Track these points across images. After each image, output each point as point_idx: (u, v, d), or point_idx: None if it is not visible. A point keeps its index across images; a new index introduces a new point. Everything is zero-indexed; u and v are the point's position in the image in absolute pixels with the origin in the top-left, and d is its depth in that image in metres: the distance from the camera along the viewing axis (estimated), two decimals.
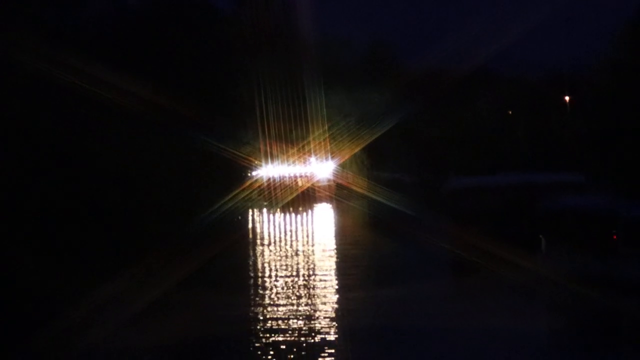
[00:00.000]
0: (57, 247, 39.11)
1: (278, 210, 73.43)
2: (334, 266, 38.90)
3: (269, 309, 28.18)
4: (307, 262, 40.21)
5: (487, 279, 33.35)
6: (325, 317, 26.39)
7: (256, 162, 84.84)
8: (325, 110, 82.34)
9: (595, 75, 70.97)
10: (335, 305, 28.60)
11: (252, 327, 25.01)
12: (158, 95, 53.13)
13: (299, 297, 30.07)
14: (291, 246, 47.16)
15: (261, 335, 23.90)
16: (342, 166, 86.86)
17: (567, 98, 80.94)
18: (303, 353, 21.63)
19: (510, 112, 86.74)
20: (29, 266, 33.19)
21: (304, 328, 24.57)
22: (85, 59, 47.20)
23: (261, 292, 31.77)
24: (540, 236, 36.13)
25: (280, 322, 25.72)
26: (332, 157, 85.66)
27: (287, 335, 23.76)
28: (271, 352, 21.91)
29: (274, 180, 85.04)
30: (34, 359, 20.13)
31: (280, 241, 50.03)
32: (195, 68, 63.10)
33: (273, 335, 23.80)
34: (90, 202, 47.65)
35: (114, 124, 51.30)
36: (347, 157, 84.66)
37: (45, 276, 31.63)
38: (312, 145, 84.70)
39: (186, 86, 59.28)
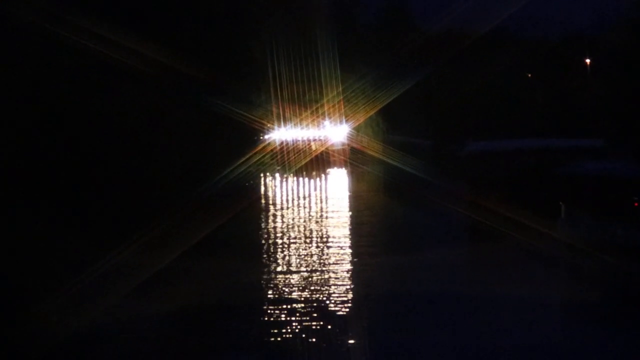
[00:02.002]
0: (63, 212, 39.10)
1: (291, 174, 73.27)
2: (348, 232, 38.79)
3: (282, 275, 28.10)
4: (321, 228, 40.10)
5: (504, 246, 33.11)
6: (339, 284, 26.29)
7: (269, 126, 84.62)
8: (339, 72, 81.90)
9: (616, 36, 70.39)
10: (350, 272, 28.48)
11: (264, 294, 24.93)
12: (168, 57, 52.89)
13: (312, 264, 29.98)
14: (304, 212, 47.07)
15: (274, 301, 23.82)
16: (357, 130, 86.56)
17: (587, 60, 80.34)
18: (316, 319, 21.52)
19: (529, 75, 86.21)
20: (34, 233, 33.17)
21: (317, 294, 24.46)
22: (94, 18, 46.97)
23: (274, 258, 31.67)
24: (560, 202, 35.98)
25: (293, 288, 25.64)
26: (347, 121, 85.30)
27: (300, 301, 23.66)
28: (284, 319, 21.82)
29: (287, 144, 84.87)
30: (38, 328, 19.99)
31: (293, 206, 49.95)
32: (207, 29, 62.73)
33: (286, 302, 23.70)
34: (99, 165, 47.67)
35: (123, 86, 51.19)
36: (362, 120, 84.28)
37: (52, 243, 31.57)
38: (326, 108, 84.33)
39: (197, 48, 58.98)
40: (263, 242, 36.03)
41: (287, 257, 31.77)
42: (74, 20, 46.07)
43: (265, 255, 32.46)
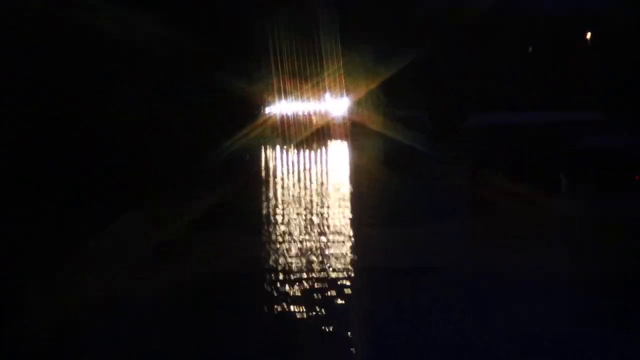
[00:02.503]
0: (63, 187, 39.15)
1: (292, 148, 73.26)
2: (348, 205, 38.81)
3: (284, 246, 28.15)
4: (322, 201, 40.12)
5: (505, 219, 33.14)
6: (340, 255, 26.35)
7: (270, 99, 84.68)
8: (340, 46, 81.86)
9: (616, 11, 70.29)
10: (351, 244, 28.52)
11: (266, 265, 24.97)
12: (166, 30, 52.84)
13: (313, 236, 30.02)
14: (305, 185, 47.07)
15: (276, 272, 23.86)
16: (358, 103, 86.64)
17: (588, 35, 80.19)
18: (318, 290, 21.57)
19: (530, 49, 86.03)
20: (38, 207, 33.24)
21: (319, 266, 24.51)
22: None
23: (274, 231, 31.67)
24: (560, 175, 36.02)
25: (294, 259, 25.69)
26: (347, 94, 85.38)
27: (302, 273, 23.71)
28: (287, 289, 21.87)
29: (288, 118, 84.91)
30: (42, 305, 20.01)
31: (294, 180, 49.94)
32: (207, 3, 62.68)
33: (288, 273, 23.76)
34: (98, 139, 47.70)
35: (121, 59, 51.14)
36: (362, 94, 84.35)
37: (52, 218, 31.62)
38: (326, 82, 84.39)
39: (196, 21, 58.89)
40: (264, 214, 36.07)
41: (287, 228, 31.78)
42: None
43: (266, 227, 32.49)
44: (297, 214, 35.29)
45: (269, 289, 22.05)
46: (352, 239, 29.45)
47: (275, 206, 38.44)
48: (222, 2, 65.43)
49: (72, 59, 47.00)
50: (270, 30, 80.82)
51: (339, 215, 35.02)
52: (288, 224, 32.74)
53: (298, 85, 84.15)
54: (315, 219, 33.60)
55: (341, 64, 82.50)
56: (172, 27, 52.97)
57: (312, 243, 28.40)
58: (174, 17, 54.32)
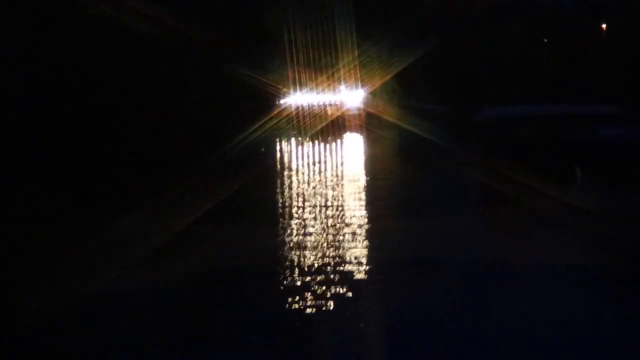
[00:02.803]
0: (74, 177, 39.30)
1: (307, 139, 73.28)
2: (363, 197, 38.92)
3: (297, 240, 28.24)
4: (336, 193, 40.20)
5: (518, 211, 33.23)
6: (354, 248, 26.43)
7: (285, 90, 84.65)
8: (355, 36, 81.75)
9: (632, 2, 69.95)
10: (365, 237, 28.58)
11: (279, 259, 25.05)
12: (182, 22, 52.87)
13: (327, 229, 30.09)
14: (320, 177, 47.14)
15: (288, 267, 23.94)
16: (373, 95, 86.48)
17: (603, 26, 79.90)
18: (331, 285, 21.64)
19: (545, 40, 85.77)
20: (43, 197, 33.31)
21: (333, 261, 24.58)
22: None
23: (288, 224, 31.76)
24: (575, 168, 35.93)
25: (308, 253, 25.77)
26: (362, 85, 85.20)
27: (315, 266, 23.79)
28: (299, 283, 21.95)
29: (303, 109, 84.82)
30: (48, 300, 20.10)
31: (308, 172, 50.03)
32: None
33: (301, 267, 23.84)
34: (113, 130, 47.88)
35: (139, 52, 51.23)
36: (377, 85, 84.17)
37: (60, 208, 31.71)
38: (341, 73, 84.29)
39: (211, 11, 58.89)
40: (279, 207, 36.16)
41: (302, 222, 31.86)
42: None
43: (280, 220, 32.56)
44: (313, 206, 35.38)
45: (285, 282, 22.15)
46: (369, 231, 29.50)
47: (291, 199, 38.56)
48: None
49: (82, 48, 47.10)
50: (284, 20, 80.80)
51: (355, 207, 35.11)
52: (303, 216, 32.84)
53: (313, 76, 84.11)
54: (330, 212, 33.67)
55: (356, 54, 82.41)
56: (187, 19, 53.04)
57: (327, 236, 28.49)
58: (185, 6, 54.36)
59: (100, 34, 49.00)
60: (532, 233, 28.73)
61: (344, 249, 26.28)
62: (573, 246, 26.49)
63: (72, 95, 46.97)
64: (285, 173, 50.12)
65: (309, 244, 27.26)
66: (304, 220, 32.14)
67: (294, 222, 31.85)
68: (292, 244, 27.41)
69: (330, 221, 31.68)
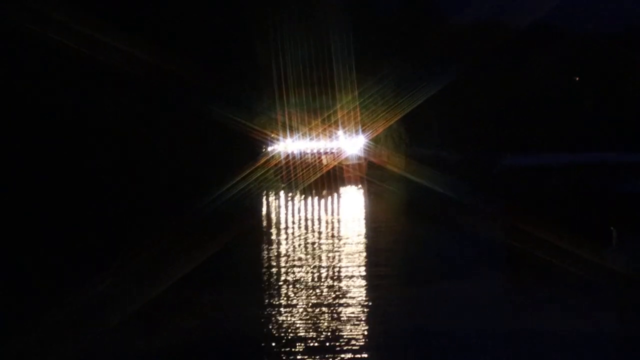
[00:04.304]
0: (43, 234, 39.41)
1: (298, 194, 73.16)
2: (363, 261, 38.80)
3: (286, 310, 28.14)
4: (333, 256, 40.08)
5: (547, 276, 33.24)
6: (351, 321, 26.35)
7: (273, 136, 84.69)
8: (355, 73, 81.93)
9: None
10: (365, 308, 28.52)
11: (266, 331, 24.99)
12: (159, 56, 53.07)
13: (322, 298, 30.03)
14: (312, 238, 46.99)
15: (278, 340, 23.90)
16: (375, 141, 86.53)
17: None
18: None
19: (577, 79, 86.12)
20: (11, 258, 33.47)
21: (328, 333, 24.52)
22: (87, 20, 47.89)
23: (276, 291, 31.75)
24: (611, 227, 35.88)
25: (299, 326, 25.69)
26: (364, 131, 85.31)
27: (309, 341, 23.74)
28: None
29: (294, 158, 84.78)
30: None
31: (299, 233, 49.85)
32: (203, 24, 62.93)
33: (292, 342, 23.79)
34: (87, 178, 48.06)
35: (110, 90, 51.49)
36: (381, 130, 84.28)
37: (29, 269, 31.84)
38: (339, 116, 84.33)
39: (192, 45, 59.07)
40: (265, 272, 36.09)
41: (292, 290, 31.84)
42: (52, 14, 46.75)
43: (267, 288, 32.60)
44: (300, 275, 35.28)
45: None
46: (369, 308, 29.41)
47: (277, 265, 38.34)
48: (220, 24, 65.62)
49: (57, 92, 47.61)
50: (274, 54, 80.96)
51: (354, 273, 35.03)
52: (287, 293, 32.55)
53: (306, 119, 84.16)
54: (324, 281, 33.61)
55: (356, 94, 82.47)
56: (163, 52, 53.23)
57: (318, 309, 28.42)
58: (165, 39, 54.60)
59: (72, 71, 49.57)
60: (560, 302, 28.74)
61: (339, 331, 26.08)
62: (607, 318, 26.50)
63: (37, 134, 47.51)
64: (272, 233, 49.97)
65: (300, 315, 27.18)
66: (291, 295, 31.89)
67: (277, 296, 31.59)
68: (275, 323, 27.17)
69: (324, 294, 31.65)
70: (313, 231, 49.78)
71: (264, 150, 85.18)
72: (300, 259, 39.39)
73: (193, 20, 63.52)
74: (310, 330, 25.27)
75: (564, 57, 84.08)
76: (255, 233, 48.51)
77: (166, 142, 55.84)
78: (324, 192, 73.02)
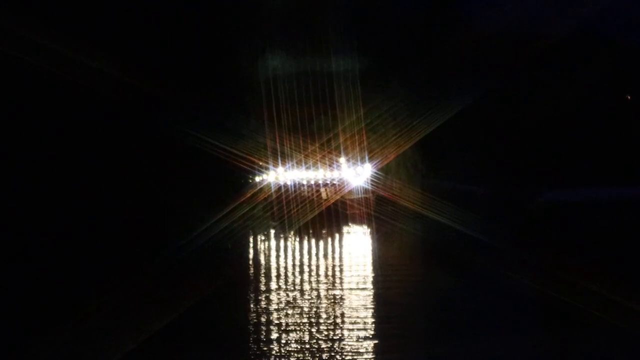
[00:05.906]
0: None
1: (292, 235, 73.17)
2: (370, 315, 38.25)
3: None
4: (333, 310, 39.60)
5: (595, 335, 32.92)
6: None
7: (262, 164, 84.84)
8: (360, 91, 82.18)
9: None
10: None
11: None
12: (115, 64, 54.12)
13: None
14: (308, 288, 46.64)
15: None
16: (385, 171, 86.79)
17: None
18: None
19: (629, 97, 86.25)
20: None
21: None
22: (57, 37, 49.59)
23: (266, 354, 31.13)
24: None
25: None
26: (371, 158, 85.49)
27: None
28: None
29: (287, 190, 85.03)
30: None
31: (292, 280, 49.59)
32: (176, 27, 63.65)
33: None
34: (53, 217, 49.08)
35: (62, 107, 52.20)
36: (391, 158, 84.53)
37: None
38: (341, 140, 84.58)
39: (161, 54, 59.46)
40: (252, 330, 35.62)
41: (286, 352, 31.21)
42: (39, 42, 48.33)
43: (254, 349, 32.09)
44: (298, 331, 34.88)
45: None
46: None
47: (267, 320, 37.98)
48: (196, 25, 66.22)
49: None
50: (262, 69, 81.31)
51: (359, 328, 34.76)
52: (285, 348, 32.22)
53: (301, 145, 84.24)
54: (323, 342, 33.11)
55: (361, 114, 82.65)
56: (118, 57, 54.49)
57: None
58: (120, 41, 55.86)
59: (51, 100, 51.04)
60: None
61: None
62: None
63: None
64: (261, 282, 49.64)
65: None
66: (289, 348, 31.71)
67: (273, 351, 31.41)
68: None
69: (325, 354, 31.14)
70: (310, 282, 49.42)
71: (250, 181, 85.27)
72: (294, 312, 38.97)
73: (170, 26, 64.16)
74: None
75: (610, 72, 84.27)
76: (238, 286, 48.12)
77: (140, 174, 56.50)
78: (324, 233, 72.95)
